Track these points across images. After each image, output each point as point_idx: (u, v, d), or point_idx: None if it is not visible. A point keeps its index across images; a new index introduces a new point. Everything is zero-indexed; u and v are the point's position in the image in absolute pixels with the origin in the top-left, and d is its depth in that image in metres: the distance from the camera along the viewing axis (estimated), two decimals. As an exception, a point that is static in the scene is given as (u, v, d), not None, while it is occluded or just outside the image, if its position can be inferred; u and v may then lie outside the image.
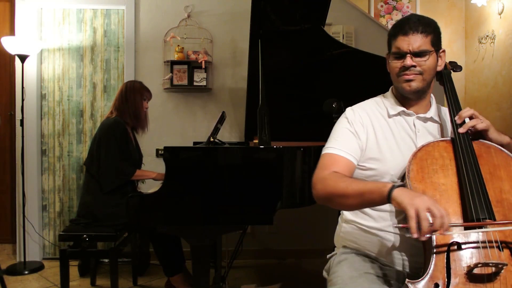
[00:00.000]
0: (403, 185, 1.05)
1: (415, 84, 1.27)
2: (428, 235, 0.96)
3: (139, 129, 2.73)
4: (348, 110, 1.39)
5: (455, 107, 1.30)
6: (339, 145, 1.30)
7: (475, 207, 1.08)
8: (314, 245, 3.20)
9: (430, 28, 1.26)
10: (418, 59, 1.25)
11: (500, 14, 4.01)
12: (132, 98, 2.61)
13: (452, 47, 4.71)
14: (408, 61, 1.24)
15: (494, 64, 4.10)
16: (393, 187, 1.03)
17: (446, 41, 4.71)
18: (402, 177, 1.22)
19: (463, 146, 1.19)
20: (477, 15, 4.46)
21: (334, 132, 1.36)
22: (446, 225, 0.96)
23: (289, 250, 3.40)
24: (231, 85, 3.37)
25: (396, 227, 1.00)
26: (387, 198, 1.03)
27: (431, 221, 0.95)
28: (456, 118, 1.26)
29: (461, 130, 1.22)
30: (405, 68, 1.26)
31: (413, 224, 0.95)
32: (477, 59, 4.42)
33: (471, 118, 1.26)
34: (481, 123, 1.23)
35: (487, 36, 4.22)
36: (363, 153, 1.32)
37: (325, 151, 1.32)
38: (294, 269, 3.25)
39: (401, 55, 1.26)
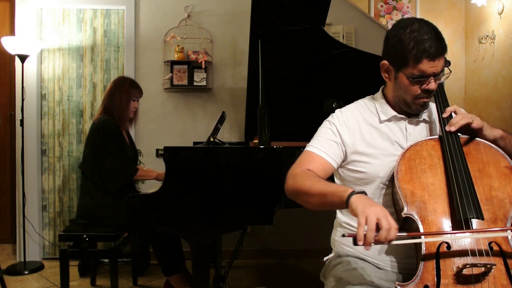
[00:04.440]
0: (363, 192, 1.06)
1: (427, 104, 1.27)
2: (372, 245, 0.96)
3: (123, 127, 2.63)
4: (337, 112, 1.38)
5: (442, 105, 1.29)
6: (319, 145, 1.31)
7: (463, 207, 1.08)
8: (314, 245, 3.20)
9: (445, 44, 1.20)
10: (437, 80, 1.22)
11: (500, 14, 4.01)
12: (118, 99, 2.52)
13: (452, 47, 4.70)
14: (433, 85, 1.20)
15: (494, 64, 4.10)
16: (352, 193, 1.04)
17: (446, 41, 4.70)
18: (391, 178, 1.21)
19: (451, 144, 1.19)
20: (477, 15, 4.46)
21: (318, 132, 1.37)
22: (390, 238, 0.97)
23: (289, 250, 3.40)
24: (231, 85, 3.37)
25: (343, 235, 1.01)
26: (345, 203, 1.04)
27: (377, 233, 0.96)
28: (443, 115, 1.26)
29: (452, 128, 1.20)
30: (428, 92, 1.21)
31: (360, 231, 0.96)
32: (477, 59, 4.42)
33: (455, 113, 1.25)
34: (475, 122, 1.21)
35: (487, 36, 4.22)
36: (350, 155, 1.31)
37: (306, 148, 1.34)
38: (294, 269, 3.25)
39: (423, 79, 1.19)
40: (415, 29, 1.18)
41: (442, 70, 1.21)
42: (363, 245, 0.96)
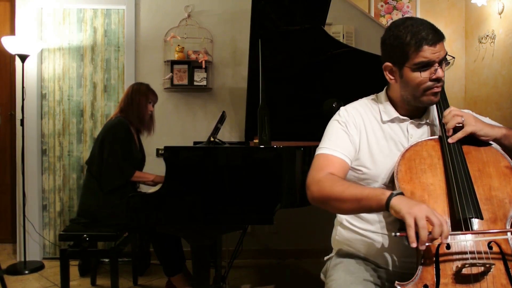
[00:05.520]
0: (401, 193, 1.04)
1: (439, 95, 1.24)
2: (427, 244, 0.95)
3: (145, 131, 2.75)
4: (342, 110, 1.36)
5: (443, 106, 1.28)
6: (333, 145, 1.28)
7: (462, 207, 1.08)
8: (314, 245, 3.20)
9: (442, 32, 1.21)
10: (443, 67, 1.20)
11: (500, 13, 4.01)
12: (137, 100, 2.63)
13: (452, 47, 4.70)
14: (441, 72, 1.19)
15: (494, 64, 4.10)
16: (392, 195, 1.02)
17: (446, 41, 4.69)
18: (391, 178, 1.21)
19: (451, 144, 1.18)
20: (477, 15, 4.46)
21: (328, 132, 1.33)
22: (445, 233, 0.95)
23: (289, 250, 3.40)
24: (231, 85, 3.37)
25: (394, 235, 1.00)
26: (385, 206, 1.02)
27: (430, 230, 0.95)
28: (443, 120, 1.23)
29: (450, 140, 1.19)
30: (438, 80, 1.20)
31: (411, 233, 0.95)
32: (477, 58, 4.42)
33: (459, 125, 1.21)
34: (466, 127, 1.18)
35: (487, 35, 4.22)
36: (356, 154, 1.30)
37: (319, 151, 1.29)
38: (294, 269, 3.25)
39: (429, 67, 1.18)
40: (409, 24, 1.20)
41: (445, 56, 1.21)
42: (416, 246, 0.95)
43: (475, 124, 1.19)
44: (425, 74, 1.19)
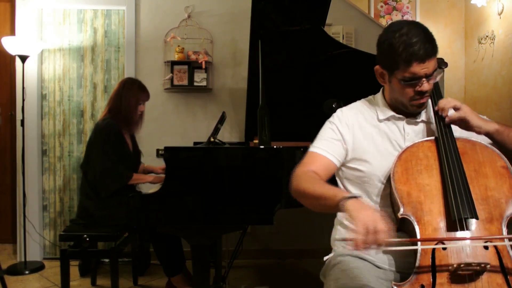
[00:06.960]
0: (355, 197, 1.06)
1: (425, 105, 1.27)
2: (365, 248, 0.96)
3: (131, 131, 2.65)
4: (338, 111, 1.40)
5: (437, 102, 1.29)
6: (321, 144, 1.34)
7: (458, 207, 1.09)
8: (314, 245, 3.20)
9: (436, 44, 1.21)
10: (430, 81, 1.22)
11: (499, 14, 4.02)
12: (126, 101, 2.51)
13: (452, 48, 4.71)
14: (426, 86, 1.21)
15: (493, 65, 4.10)
16: (345, 197, 1.04)
17: (446, 42, 4.71)
18: (388, 179, 1.22)
19: (447, 145, 1.20)
20: (477, 15, 4.46)
21: (320, 132, 1.39)
22: (380, 242, 0.95)
23: (289, 250, 3.40)
24: (231, 85, 3.37)
25: (343, 240, 1.00)
26: (338, 206, 1.05)
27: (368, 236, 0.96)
28: (436, 108, 1.27)
29: (443, 114, 1.23)
30: (422, 94, 1.22)
31: (353, 236, 0.96)
32: (477, 59, 4.43)
33: (455, 109, 1.25)
34: (462, 110, 1.23)
35: (487, 36, 4.22)
36: (350, 153, 1.33)
37: (310, 149, 1.36)
38: (294, 269, 3.25)
39: (415, 81, 1.21)
40: (404, 32, 1.19)
41: (435, 70, 1.22)
42: (355, 249, 0.96)
43: (471, 112, 1.24)
44: (410, 88, 1.22)
